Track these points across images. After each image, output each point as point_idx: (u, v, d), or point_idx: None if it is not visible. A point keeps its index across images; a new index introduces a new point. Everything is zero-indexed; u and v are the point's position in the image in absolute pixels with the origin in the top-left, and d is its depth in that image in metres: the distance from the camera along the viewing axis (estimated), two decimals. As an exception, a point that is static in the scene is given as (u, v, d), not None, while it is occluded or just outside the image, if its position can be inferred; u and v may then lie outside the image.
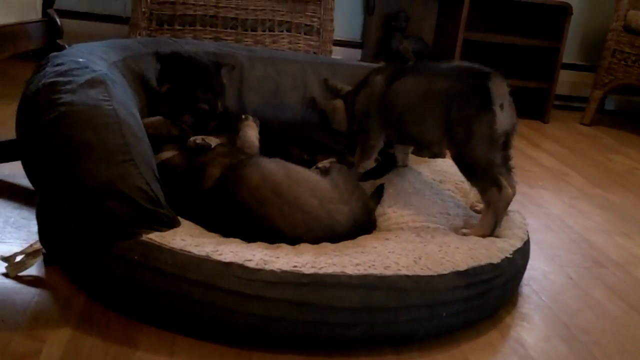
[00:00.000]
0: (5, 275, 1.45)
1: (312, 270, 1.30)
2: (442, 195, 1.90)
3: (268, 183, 1.49)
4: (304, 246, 1.43)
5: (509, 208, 1.74)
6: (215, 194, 1.51)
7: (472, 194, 1.87)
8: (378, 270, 1.34)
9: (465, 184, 1.96)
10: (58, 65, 1.59)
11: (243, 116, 1.87)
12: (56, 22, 2.02)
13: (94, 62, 1.65)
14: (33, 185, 1.51)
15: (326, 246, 1.45)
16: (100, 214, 1.34)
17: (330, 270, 1.31)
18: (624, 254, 2.03)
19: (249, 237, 1.45)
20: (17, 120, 1.53)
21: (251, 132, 1.81)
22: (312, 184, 1.54)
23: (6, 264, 1.46)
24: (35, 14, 1.96)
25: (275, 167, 1.54)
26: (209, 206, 1.51)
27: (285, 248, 1.41)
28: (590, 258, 1.97)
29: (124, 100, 1.56)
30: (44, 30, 1.99)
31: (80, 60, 1.63)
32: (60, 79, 1.51)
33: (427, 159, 2.21)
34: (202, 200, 1.52)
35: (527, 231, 1.73)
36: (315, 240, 1.46)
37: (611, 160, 3.19)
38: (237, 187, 1.49)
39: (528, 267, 1.72)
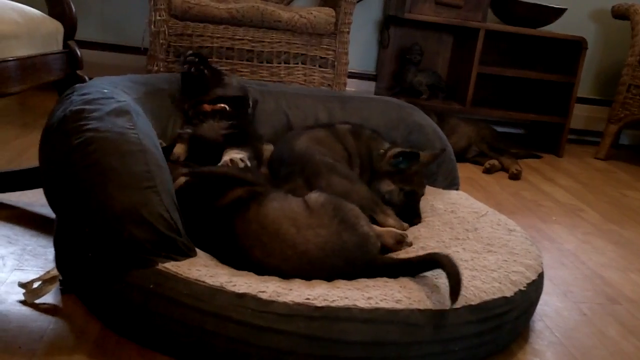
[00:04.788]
0: (23, 302, 1.47)
1: (324, 303, 1.31)
2: (451, 224, 1.91)
3: (258, 216, 1.50)
4: (317, 280, 1.43)
5: (527, 237, 1.83)
6: (224, 214, 1.53)
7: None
8: (389, 304, 1.35)
9: (476, 213, 1.98)
10: (84, 94, 1.65)
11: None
12: (77, 53, 2.06)
13: (118, 94, 1.69)
14: (53, 209, 1.54)
15: (339, 280, 1.44)
16: (120, 238, 1.36)
17: (342, 303, 1.32)
18: (638, 291, 2.02)
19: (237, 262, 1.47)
20: (42, 145, 1.57)
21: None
22: (294, 214, 1.52)
23: (24, 291, 1.48)
24: (57, 46, 1.99)
25: (273, 204, 1.55)
26: (216, 223, 1.53)
27: (298, 281, 1.41)
28: (604, 294, 1.96)
29: (147, 131, 1.61)
30: (64, 62, 2.02)
31: (106, 90, 1.69)
32: (87, 106, 1.56)
33: (441, 190, 2.22)
34: (213, 216, 1.54)
35: (542, 263, 1.72)
36: (292, 268, 1.45)
37: (626, 195, 3.18)
38: (238, 215, 1.51)
39: (541, 302, 1.72)
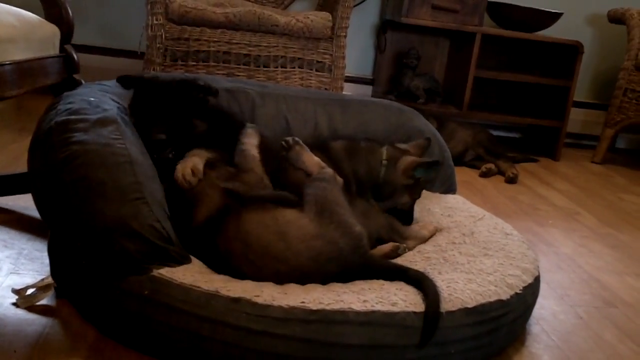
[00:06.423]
0: (17, 305, 1.46)
1: (319, 307, 1.31)
2: (448, 228, 1.92)
3: (240, 234, 1.46)
4: (312, 284, 1.43)
5: (523, 241, 1.83)
6: (203, 230, 1.51)
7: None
8: (385, 307, 1.34)
9: (473, 217, 1.99)
10: (70, 103, 1.62)
11: (246, 125, 1.80)
12: (73, 57, 2.06)
13: (105, 102, 1.67)
14: (45, 221, 1.53)
15: (335, 284, 1.44)
16: (112, 252, 1.35)
17: (337, 306, 1.32)
18: (634, 294, 2.02)
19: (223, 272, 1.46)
20: (30, 158, 1.55)
21: (250, 144, 1.75)
22: (281, 227, 1.47)
23: (17, 297, 1.47)
24: (54, 50, 2.00)
25: (252, 217, 1.49)
26: (197, 238, 1.51)
27: (293, 285, 1.41)
28: (601, 298, 1.96)
29: (135, 139, 1.58)
30: (61, 66, 2.02)
31: (92, 99, 1.66)
32: (73, 117, 1.54)
33: (438, 194, 2.22)
34: (194, 237, 1.52)
35: (538, 267, 1.72)
36: (285, 280, 1.42)
37: (622, 199, 3.19)
38: (218, 234, 1.48)
39: (538, 306, 1.72)
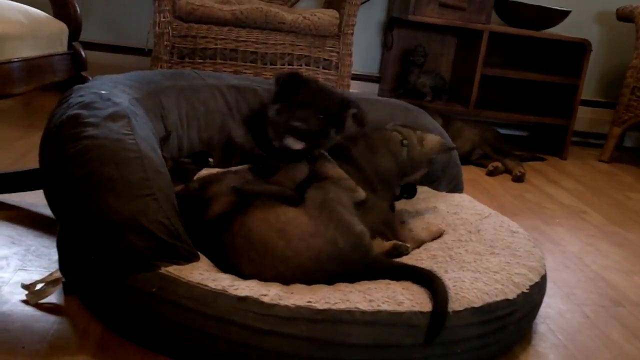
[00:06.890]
0: (26, 302, 1.47)
1: (326, 306, 1.31)
2: (454, 226, 1.91)
3: (243, 230, 1.45)
4: (318, 284, 1.42)
5: (530, 239, 1.83)
6: (213, 229, 1.50)
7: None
8: (391, 306, 1.34)
9: (479, 214, 1.98)
10: (81, 96, 1.62)
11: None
12: (81, 54, 2.07)
13: (116, 95, 1.67)
14: (55, 216, 1.54)
15: (341, 283, 1.43)
16: (120, 247, 1.36)
17: (343, 306, 1.32)
18: (641, 294, 2.02)
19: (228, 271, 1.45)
20: (41, 152, 1.56)
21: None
22: (282, 225, 1.45)
23: (26, 292, 1.48)
24: (61, 47, 2.00)
25: (257, 214, 1.48)
26: (207, 239, 1.51)
27: (299, 284, 1.41)
28: (608, 297, 1.96)
29: (145, 134, 1.58)
30: (69, 63, 2.03)
31: (103, 92, 1.66)
32: (83, 111, 1.54)
33: (444, 193, 2.22)
34: (203, 231, 1.52)
35: (545, 265, 1.72)
36: (288, 281, 1.41)
37: (630, 198, 3.18)
38: (225, 229, 1.48)
39: (544, 305, 1.72)
